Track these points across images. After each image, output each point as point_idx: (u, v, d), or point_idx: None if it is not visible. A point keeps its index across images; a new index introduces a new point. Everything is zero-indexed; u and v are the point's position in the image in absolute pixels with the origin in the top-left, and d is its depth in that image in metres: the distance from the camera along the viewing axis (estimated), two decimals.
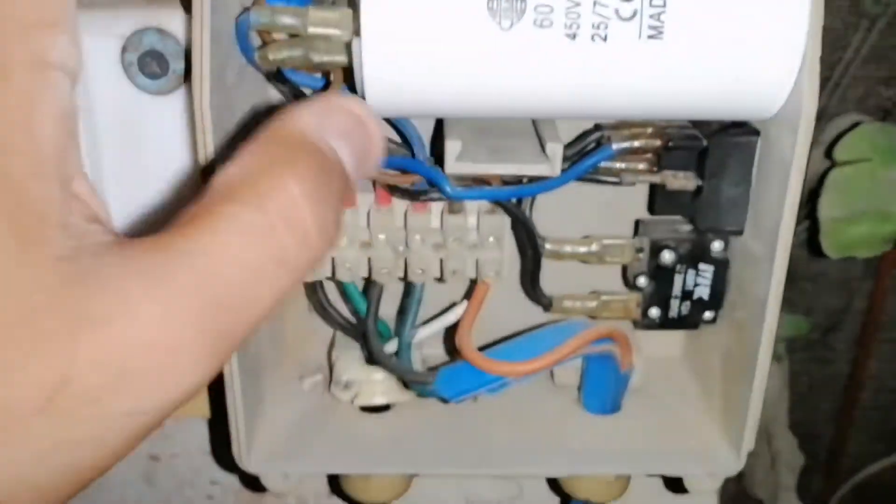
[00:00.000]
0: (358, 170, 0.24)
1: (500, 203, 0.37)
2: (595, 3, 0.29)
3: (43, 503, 0.18)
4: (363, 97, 0.31)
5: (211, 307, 0.19)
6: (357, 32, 0.31)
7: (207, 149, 0.31)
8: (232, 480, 0.55)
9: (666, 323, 0.39)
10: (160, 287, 0.18)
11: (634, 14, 0.30)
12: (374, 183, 0.37)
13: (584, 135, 0.37)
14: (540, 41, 0.30)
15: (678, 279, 0.38)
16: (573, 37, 0.30)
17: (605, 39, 0.30)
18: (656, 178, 0.37)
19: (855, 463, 0.72)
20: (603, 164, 0.36)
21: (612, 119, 0.35)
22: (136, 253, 0.19)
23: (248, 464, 0.37)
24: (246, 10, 0.33)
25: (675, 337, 0.45)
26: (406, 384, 0.39)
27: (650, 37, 0.30)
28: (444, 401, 0.38)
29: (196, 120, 0.31)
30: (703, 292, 0.39)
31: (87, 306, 0.17)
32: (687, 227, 0.38)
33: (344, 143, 0.23)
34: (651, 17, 0.30)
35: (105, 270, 0.18)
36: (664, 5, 0.29)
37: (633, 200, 0.40)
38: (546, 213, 0.38)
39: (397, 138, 0.37)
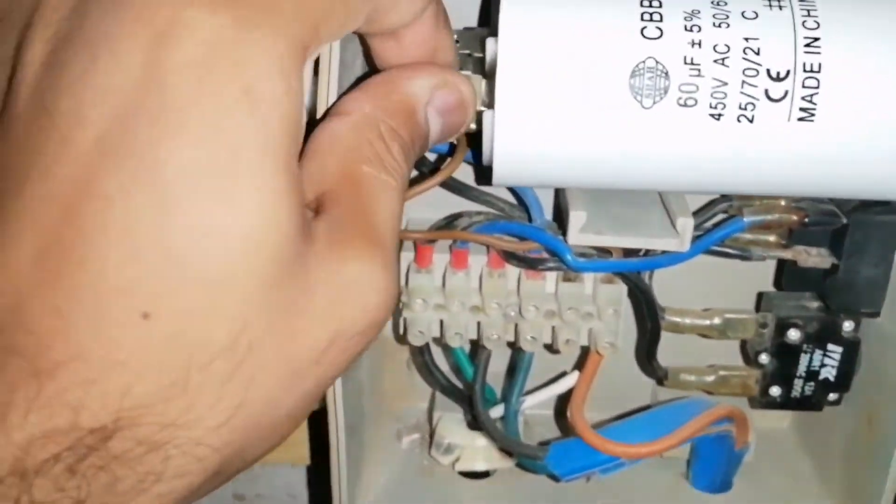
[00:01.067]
0: (440, 141, 0.28)
1: (619, 274, 0.35)
2: (743, 83, 0.28)
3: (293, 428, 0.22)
4: (489, 167, 0.30)
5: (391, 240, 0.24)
6: (489, 104, 0.30)
7: None
8: None
9: (787, 403, 0.37)
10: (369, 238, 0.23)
11: (785, 95, 0.28)
12: (487, 246, 0.36)
13: (710, 204, 0.35)
14: (682, 120, 0.28)
15: (804, 358, 0.36)
16: (718, 117, 0.28)
17: (751, 120, 0.28)
18: (787, 254, 0.35)
19: None
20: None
21: (748, 194, 0.33)
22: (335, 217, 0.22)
23: None
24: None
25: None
26: (513, 455, 0.38)
27: (800, 119, 0.28)
28: (555, 479, 0.37)
29: None
30: (829, 373, 0.36)
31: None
32: (815, 304, 0.36)
33: (441, 119, 0.27)
34: (803, 98, 0.28)
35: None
36: (818, 87, 0.28)
37: (756, 272, 0.38)
38: (664, 282, 0.36)
39: (513, 200, 0.36)
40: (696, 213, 0.34)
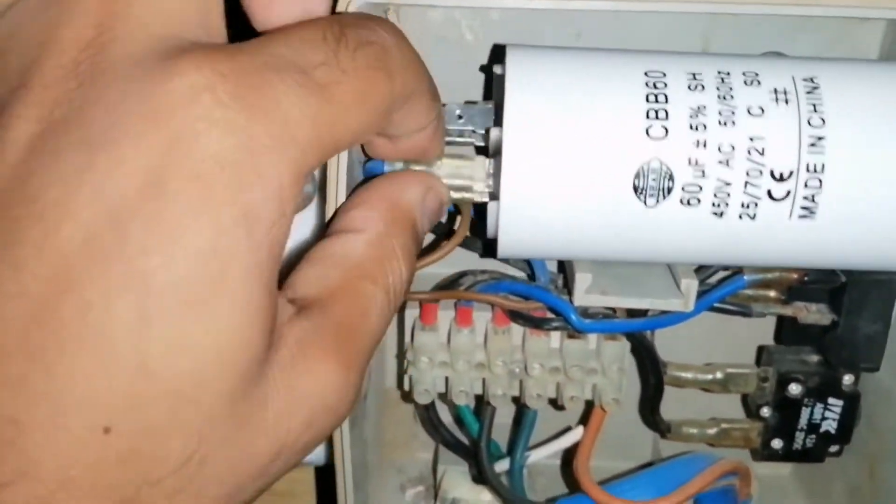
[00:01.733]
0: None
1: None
2: (747, 184, 0.28)
3: None
4: (495, 246, 0.30)
5: (364, 360, 0.24)
6: (494, 194, 0.30)
7: None
8: None
9: (789, 455, 0.38)
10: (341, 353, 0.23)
11: (787, 195, 0.28)
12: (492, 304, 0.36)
13: None
14: (685, 218, 0.28)
15: (805, 412, 0.37)
16: (720, 214, 0.28)
17: (753, 218, 0.28)
18: (788, 311, 0.35)
19: None
20: None
21: None
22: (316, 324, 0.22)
23: None
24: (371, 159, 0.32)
25: None
26: None
27: (801, 216, 0.28)
28: None
29: None
30: (830, 426, 0.37)
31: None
32: (815, 358, 0.37)
33: (428, 221, 0.28)
34: (805, 198, 0.28)
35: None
36: (820, 186, 0.28)
37: (756, 326, 0.38)
38: (666, 337, 0.37)
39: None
40: (697, 271, 0.35)
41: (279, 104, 0.20)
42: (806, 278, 0.34)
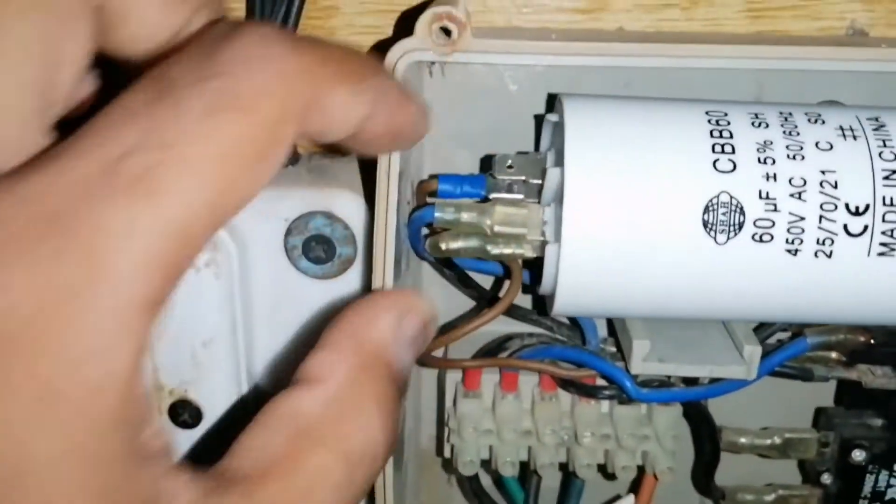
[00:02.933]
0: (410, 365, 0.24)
1: None
2: (821, 218, 0.27)
3: None
4: (552, 299, 0.29)
5: None
6: (551, 235, 0.29)
7: None
8: None
9: None
10: None
11: (864, 230, 0.27)
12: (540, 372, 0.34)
13: (771, 323, 0.34)
14: (757, 257, 0.27)
15: (869, 479, 0.35)
16: (795, 252, 0.27)
17: (829, 256, 0.27)
18: (852, 375, 0.34)
19: None
20: None
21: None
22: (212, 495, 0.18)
23: None
24: (426, 200, 0.31)
25: None
26: None
27: (880, 254, 0.27)
28: None
29: None
30: None
31: None
32: (879, 422, 0.35)
33: (411, 349, 0.23)
34: (883, 233, 0.27)
35: None
36: None
37: (815, 388, 0.36)
38: (719, 400, 0.35)
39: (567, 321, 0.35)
40: (756, 330, 0.33)
41: (93, 231, 0.16)
42: (872, 341, 0.32)
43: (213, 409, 0.33)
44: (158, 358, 0.32)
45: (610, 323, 0.35)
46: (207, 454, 0.19)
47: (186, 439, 0.33)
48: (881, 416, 0.35)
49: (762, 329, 0.33)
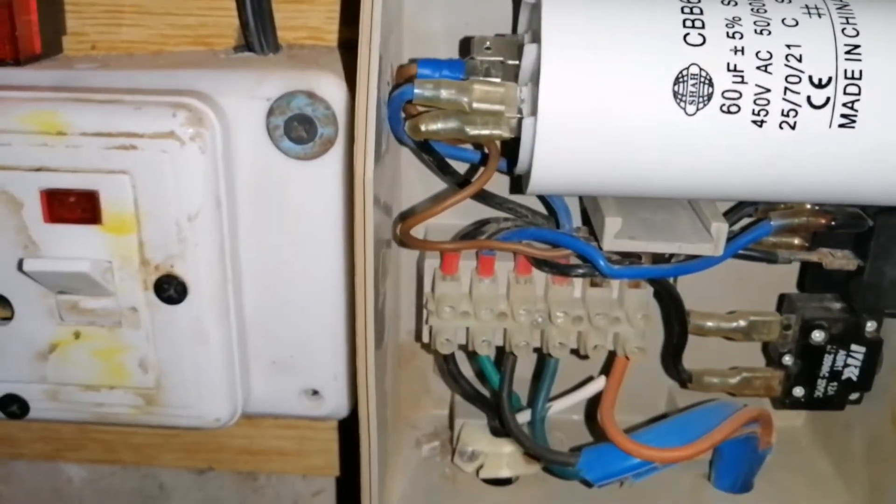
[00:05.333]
0: None
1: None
2: (786, 90, 0.28)
3: None
4: (528, 176, 0.30)
5: None
6: (528, 110, 0.30)
7: (367, 218, 0.30)
8: None
9: (810, 403, 0.38)
10: None
11: (827, 102, 0.28)
12: (514, 253, 0.35)
13: (736, 207, 0.35)
14: (725, 127, 0.28)
15: (827, 359, 0.37)
16: (761, 123, 0.28)
17: (793, 127, 0.28)
18: (813, 257, 0.35)
19: None
20: None
21: (782, 201, 0.34)
22: None
23: None
24: (406, 80, 0.31)
25: None
26: (539, 460, 0.38)
27: (841, 125, 0.28)
28: (588, 484, 0.37)
29: (357, 191, 0.30)
30: (852, 373, 0.37)
31: None
32: (838, 305, 0.37)
33: None
34: (844, 105, 0.28)
35: None
36: (859, 93, 0.28)
37: (779, 275, 0.38)
38: (687, 286, 0.36)
39: (537, 207, 0.36)
40: (725, 215, 0.34)
41: None
42: (833, 223, 0.34)
43: (199, 285, 0.33)
44: (145, 233, 0.32)
45: (584, 213, 0.36)
46: None
47: (172, 313, 0.34)
48: (840, 300, 0.37)
49: (730, 214, 0.34)
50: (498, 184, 0.36)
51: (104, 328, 0.34)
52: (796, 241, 0.35)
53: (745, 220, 0.35)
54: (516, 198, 0.36)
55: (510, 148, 0.32)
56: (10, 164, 0.32)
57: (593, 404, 0.37)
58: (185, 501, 0.53)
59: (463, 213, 0.37)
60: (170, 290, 0.33)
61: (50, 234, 0.32)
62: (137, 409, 0.36)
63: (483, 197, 0.36)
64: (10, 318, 0.35)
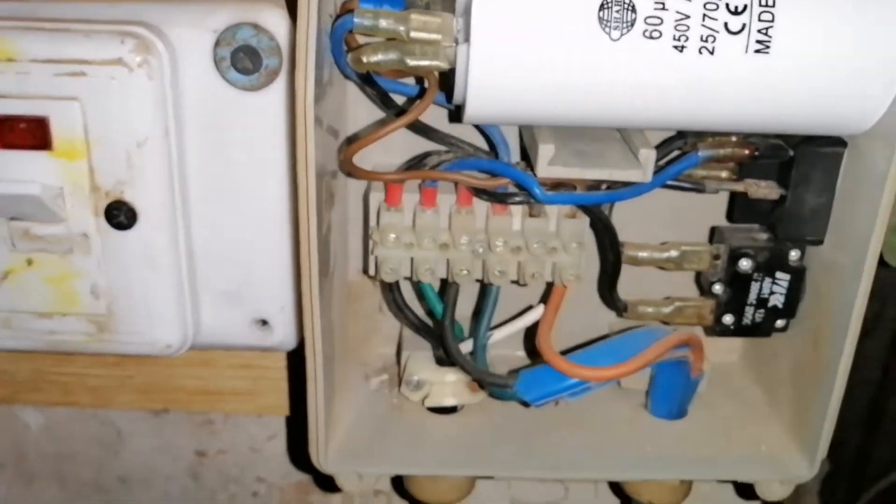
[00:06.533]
0: None
1: (583, 207, 0.37)
2: (705, 16, 0.30)
3: None
4: (462, 103, 0.31)
5: None
6: (462, 38, 0.31)
7: (309, 147, 0.31)
8: (277, 478, 0.55)
9: (739, 330, 0.39)
10: None
11: (743, 28, 0.30)
12: (455, 184, 0.37)
13: (666, 142, 0.37)
14: (648, 52, 0.30)
15: (754, 287, 0.39)
16: (681, 49, 0.30)
17: (712, 53, 0.30)
18: (739, 187, 0.37)
19: (880, 469, 0.72)
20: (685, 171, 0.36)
21: (709, 129, 0.35)
22: None
23: (326, 465, 0.37)
24: (347, 12, 0.33)
25: (734, 343, 0.45)
26: (484, 386, 0.40)
27: (756, 51, 0.30)
28: (525, 404, 0.38)
29: (298, 119, 0.31)
30: (777, 300, 0.39)
31: None
32: (764, 236, 0.38)
33: None
34: (759, 31, 0.30)
35: None
36: (772, 20, 0.30)
37: (709, 208, 0.40)
38: (622, 218, 0.38)
39: (483, 144, 0.38)
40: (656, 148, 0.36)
41: None
42: (756, 153, 0.35)
43: (148, 211, 0.35)
44: (95, 159, 0.33)
45: (523, 151, 0.38)
46: None
47: (123, 239, 0.35)
48: (766, 230, 0.38)
49: (660, 148, 0.36)
50: (438, 119, 0.38)
51: (56, 255, 0.35)
52: (724, 173, 0.37)
53: (676, 154, 0.37)
54: (457, 132, 0.38)
55: (449, 82, 0.34)
56: None
57: (533, 338, 0.39)
58: (142, 447, 0.54)
59: (407, 150, 0.38)
60: (120, 216, 0.34)
61: (1, 160, 0.33)
62: (89, 337, 0.37)
63: (425, 131, 0.37)
64: None
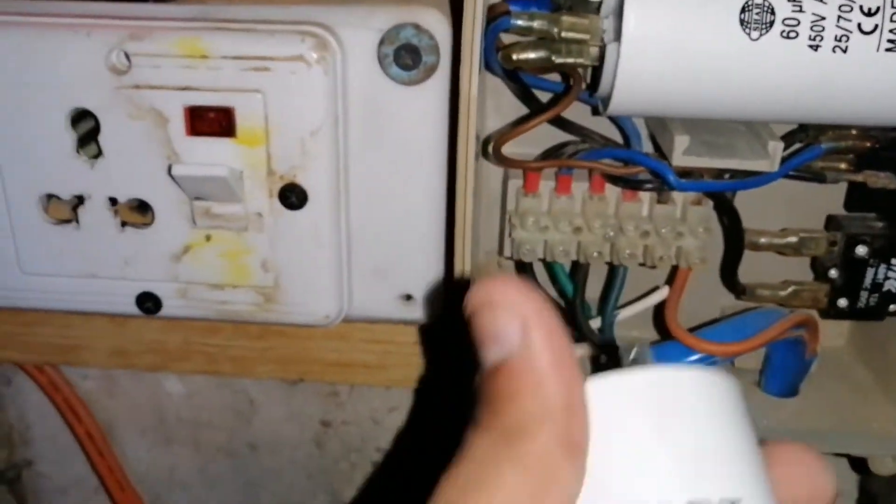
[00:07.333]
0: None
1: (709, 194, 0.39)
2: (839, 18, 0.32)
3: None
4: (608, 98, 0.34)
5: None
6: (610, 38, 0.34)
7: (471, 127, 0.34)
8: (397, 450, 0.58)
9: (853, 313, 0.42)
10: None
11: (875, 28, 0.32)
12: (589, 172, 0.40)
13: (790, 133, 0.39)
14: (785, 51, 0.33)
15: (869, 272, 0.41)
16: (816, 48, 0.32)
17: (845, 51, 0.32)
18: (859, 177, 0.39)
19: None
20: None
21: (835, 123, 0.38)
22: None
23: None
24: (500, 13, 0.36)
25: (841, 328, 0.48)
26: (611, 359, 0.43)
27: (888, 49, 0.32)
28: None
29: (462, 103, 0.34)
30: (892, 285, 0.41)
31: None
32: (880, 224, 0.41)
33: None
34: (891, 31, 0.32)
35: None
36: None
37: (827, 198, 0.42)
38: (744, 206, 0.41)
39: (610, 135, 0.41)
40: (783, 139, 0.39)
41: None
42: (877, 146, 0.38)
43: (317, 193, 0.38)
44: (273, 146, 0.37)
45: (653, 139, 0.40)
46: None
47: (293, 219, 0.39)
48: (882, 219, 0.41)
49: (784, 140, 0.39)
50: (575, 114, 0.41)
51: (232, 231, 0.39)
52: (843, 165, 0.39)
53: (797, 146, 0.39)
54: (590, 125, 0.41)
55: (590, 78, 0.37)
56: (159, 84, 0.37)
57: (658, 321, 0.41)
58: (271, 415, 0.58)
59: (540, 142, 0.41)
60: (292, 197, 0.38)
61: (190, 146, 0.37)
62: (257, 307, 0.41)
63: (562, 124, 0.40)
64: (150, 224, 0.40)
